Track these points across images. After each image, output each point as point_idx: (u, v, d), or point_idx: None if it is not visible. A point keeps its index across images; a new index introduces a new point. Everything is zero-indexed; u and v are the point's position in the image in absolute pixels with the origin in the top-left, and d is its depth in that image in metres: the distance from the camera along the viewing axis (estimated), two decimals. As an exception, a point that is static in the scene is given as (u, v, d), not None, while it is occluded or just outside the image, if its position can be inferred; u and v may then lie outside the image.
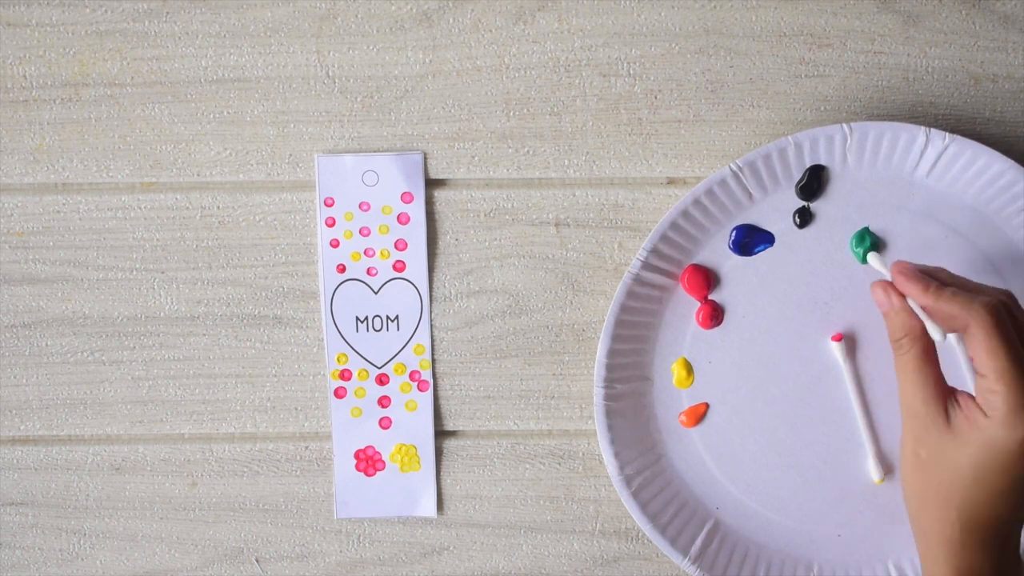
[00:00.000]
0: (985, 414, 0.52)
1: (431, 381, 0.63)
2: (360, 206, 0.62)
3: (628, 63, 0.62)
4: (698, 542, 0.62)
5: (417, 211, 0.62)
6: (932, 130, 0.59)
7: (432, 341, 0.63)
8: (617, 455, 0.61)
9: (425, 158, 0.62)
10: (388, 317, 0.63)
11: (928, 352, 0.55)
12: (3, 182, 0.62)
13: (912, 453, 0.55)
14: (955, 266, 0.61)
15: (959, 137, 0.59)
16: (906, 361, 0.55)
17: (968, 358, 0.54)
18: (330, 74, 0.62)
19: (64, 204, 0.62)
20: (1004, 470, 0.52)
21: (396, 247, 0.62)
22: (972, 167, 0.59)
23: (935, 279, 0.55)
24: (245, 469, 0.65)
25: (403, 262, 0.62)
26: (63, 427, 0.64)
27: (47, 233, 0.63)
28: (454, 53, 0.61)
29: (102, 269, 0.63)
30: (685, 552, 0.62)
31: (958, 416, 0.53)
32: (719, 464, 0.63)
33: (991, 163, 0.59)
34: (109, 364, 0.64)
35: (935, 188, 0.60)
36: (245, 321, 0.63)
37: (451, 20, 0.61)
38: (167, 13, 0.61)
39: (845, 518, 0.62)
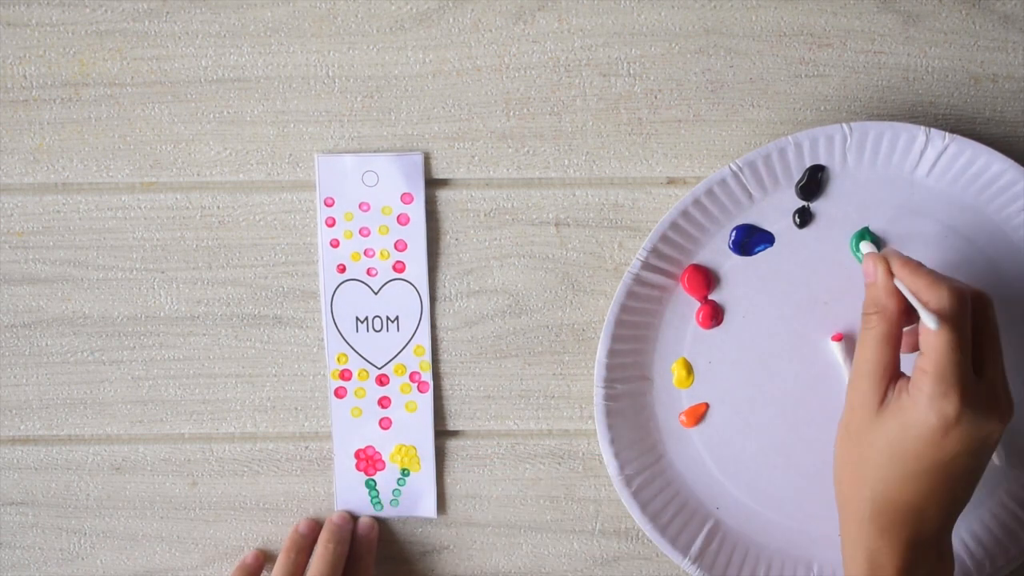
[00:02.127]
0: (911, 395, 0.53)
1: (431, 382, 0.63)
2: (360, 206, 0.62)
3: (628, 63, 0.62)
4: (698, 542, 0.62)
5: (417, 212, 0.62)
6: (932, 130, 0.59)
7: (433, 342, 0.63)
8: (617, 455, 0.61)
9: (426, 158, 0.62)
10: (388, 318, 0.63)
11: (891, 335, 0.55)
12: (3, 182, 0.62)
13: (844, 426, 0.56)
14: (955, 266, 0.61)
15: (959, 137, 0.59)
16: (867, 336, 0.55)
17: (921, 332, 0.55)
18: (330, 74, 0.62)
19: (64, 204, 0.62)
20: (916, 454, 0.52)
21: (396, 248, 0.62)
22: (972, 167, 0.59)
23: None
24: (245, 469, 0.65)
25: (403, 263, 0.62)
26: (63, 427, 0.64)
27: (47, 233, 0.63)
28: (454, 53, 0.61)
29: (102, 269, 0.63)
30: (685, 552, 0.62)
31: (892, 397, 0.54)
32: (719, 464, 0.63)
33: (991, 163, 0.59)
34: (109, 364, 0.64)
35: (935, 188, 0.60)
36: (245, 321, 0.63)
37: (451, 20, 0.61)
38: (167, 13, 0.61)
39: None
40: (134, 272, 0.63)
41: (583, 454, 0.64)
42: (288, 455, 0.64)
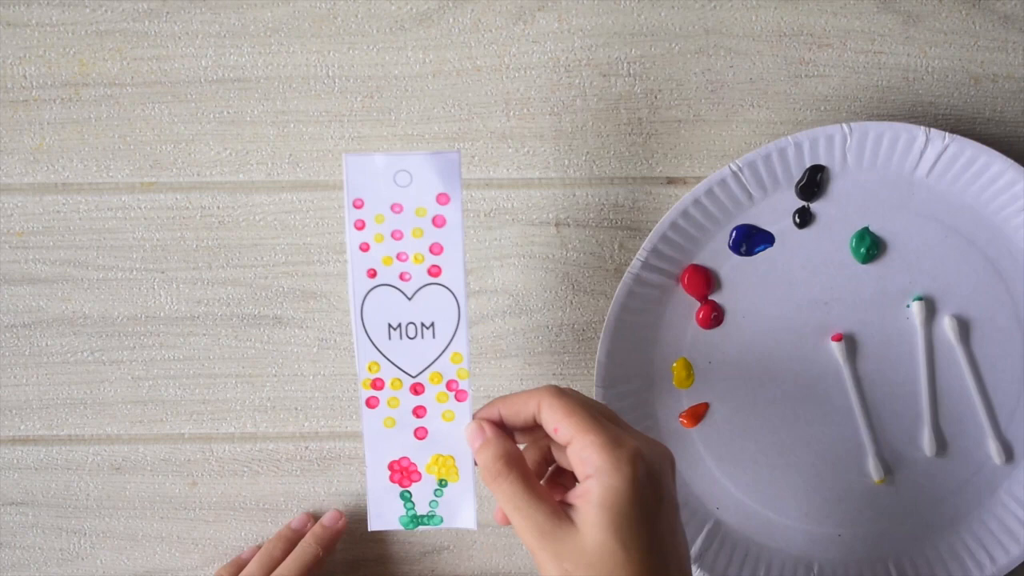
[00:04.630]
0: (590, 478, 0.49)
1: (470, 391, 0.60)
2: (392, 208, 0.59)
3: (628, 63, 0.62)
4: (698, 542, 0.62)
5: (454, 213, 0.59)
6: (932, 130, 0.59)
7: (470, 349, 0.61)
8: None
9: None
10: (423, 324, 0.60)
11: (529, 473, 0.52)
12: (3, 182, 0.62)
13: (562, 572, 0.49)
14: (955, 266, 0.61)
15: (959, 137, 0.59)
16: (512, 487, 0.51)
17: (551, 436, 0.53)
18: (330, 74, 0.62)
19: (64, 204, 0.62)
20: (638, 519, 0.49)
21: (431, 251, 0.59)
22: (972, 167, 0.59)
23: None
24: (245, 469, 0.65)
25: (439, 267, 0.59)
26: (63, 427, 0.64)
27: (47, 233, 0.63)
28: (454, 53, 0.61)
29: (102, 269, 0.63)
30: None
31: (576, 511, 0.49)
32: (719, 464, 0.63)
33: (991, 163, 0.59)
34: (109, 364, 0.64)
35: (935, 188, 0.60)
36: (245, 321, 0.63)
37: (451, 20, 0.61)
38: (167, 13, 0.61)
39: (845, 518, 0.62)
40: (134, 272, 0.63)
41: (583, 454, 0.64)
42: (288, 455, 0.64)
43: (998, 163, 0.59)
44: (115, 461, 0.65)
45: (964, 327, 0.61)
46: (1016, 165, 0.59)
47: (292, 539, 0.63)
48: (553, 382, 0.63)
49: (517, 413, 0.53)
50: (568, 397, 0.52)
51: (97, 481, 0.65)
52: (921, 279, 0.61)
